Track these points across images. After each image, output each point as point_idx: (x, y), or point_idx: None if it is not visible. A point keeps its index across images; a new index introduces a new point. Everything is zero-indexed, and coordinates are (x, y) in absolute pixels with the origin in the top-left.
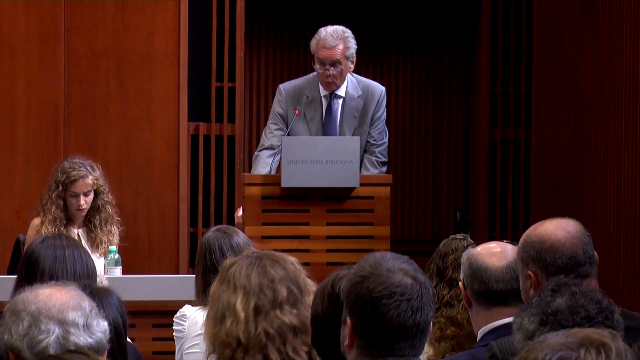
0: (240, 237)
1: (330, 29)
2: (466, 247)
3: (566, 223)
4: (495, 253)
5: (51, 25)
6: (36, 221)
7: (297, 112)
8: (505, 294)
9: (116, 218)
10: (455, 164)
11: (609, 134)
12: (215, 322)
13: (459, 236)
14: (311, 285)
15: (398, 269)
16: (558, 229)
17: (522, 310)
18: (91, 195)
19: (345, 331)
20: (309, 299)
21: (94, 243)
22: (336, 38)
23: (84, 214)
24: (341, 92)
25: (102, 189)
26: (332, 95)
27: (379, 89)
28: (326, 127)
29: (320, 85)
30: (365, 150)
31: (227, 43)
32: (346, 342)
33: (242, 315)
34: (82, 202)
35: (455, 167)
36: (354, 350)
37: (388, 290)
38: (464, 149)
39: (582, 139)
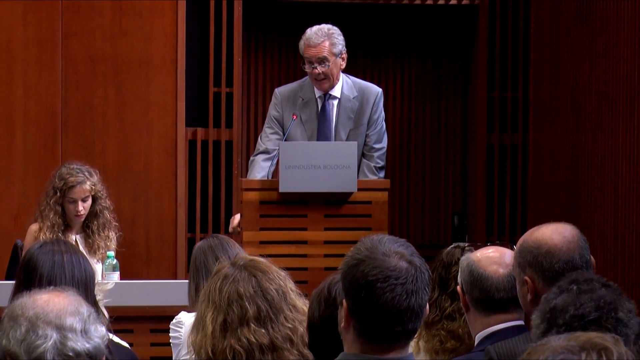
0: (232, 245)
1: (315, 27)
2: (462, 251)
3: (563, 228)
4: (496, 261)
5: (49, 31)
6: (34, 227)
7: (294, 117)
8: (506, 302)
9: (114, 224)
10: (453, 168)
11: (607, 139)
12: (192, 331)
13: (463, 245)
14: (295, 299)
15: (394, 252)
16: (554, 234)
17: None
18: (89, 201)
19: (342, 313)
20: (290, 314)
21: (92, 248)
22: (321, 36)
23: (82, 219)
24: (336, 92)
25: (100, 195)
26: (326, 96)
27: (374, 90)
28: (320, 127)
29: (314, 87)
30: (364, 154)
31: (224, 48)
32: (342, 324)
33: (209, 329)
34: (80, 207)
35: (453, 172)
36: (350, 333)
37: (383, 274)
38: (462, 153)
39: (580, 144)
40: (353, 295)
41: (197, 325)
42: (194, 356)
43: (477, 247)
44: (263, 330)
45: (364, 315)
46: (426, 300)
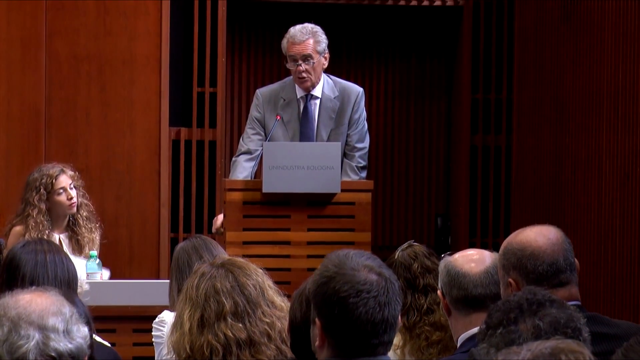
0: (215, 245)
1: (298, 26)
2: (442, 256)
3: (547, 230)
4: (473, 259)
5: (32, 30)
6: (18, 229)
7: (278, 117)
8: (484, 298)
9: (94, 214)
10: (437, 170)
11: (590, 141)
12: (171, 332)
13: (405, 246)
14: (273, 295)
15: (362, 266)
16: (539, 236)
17: (486, 332)
18: (74, 190)
19: (315, 331)
20: (268, 309)
21: (79, 244)
22: (305, 33)
23: (75, 209)
24: (317, 92)
25: (79, 184)
26: (308, 97)
27: (355, 89)
28: (303, 128)
29: (296, 88)
30: (345, 154)
31: (208, 48)
32: (317, 343)
33: (187, 326)
34: (73, 194)
35: (436, 173)
36: (325, 350)
37: (354, 289)
38: (445, 155)
39: (563, 146)
40: (326, 313)
41: (176, 325)
42: (174, 356)
43: (454, 244)
44: (240, 325)
45: (339, 332)
46: (399, 311)
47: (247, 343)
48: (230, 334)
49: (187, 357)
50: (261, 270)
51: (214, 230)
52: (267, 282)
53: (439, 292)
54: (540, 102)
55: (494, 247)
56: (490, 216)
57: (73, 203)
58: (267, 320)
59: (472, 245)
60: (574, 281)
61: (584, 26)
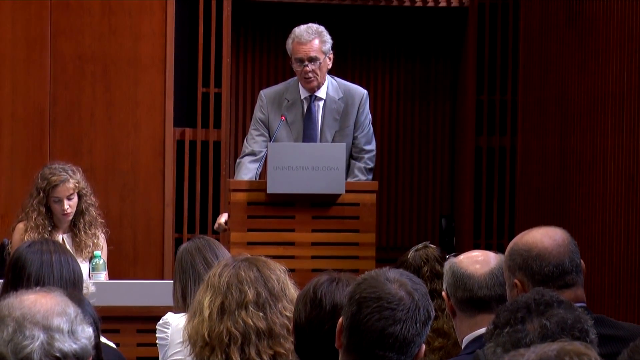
0: (219, 246)
1: (303, 26)
2: (447, 257)
3: (553, 231)
4: (478, 260)
5: (37, 30)
6: (21, 226)
7: (283, 118)
8: (489, 300)
9: (100, 220)
10: (441, 171)
11: (595, 142)
12: (188, 319)
13: (420, 246)
14: (294, 293)
15: (397, 280)
16: (545, 237)
17: (493, 331)
18: (75, 199)
19: (337, 328)
20: (289, 305)
21: (79, 247)
22: (311, 33)
23: (70, 218)
24: (322, 94)
25: (84, 192)
26: (312, 98)
27: (360, 91)
28: (306, 129)
29: (300, 88)
30: (353, 156)
31: (213, 49)
32: (336, 342)
33: (206, 312)
34: (67, 206)
35: (441, 174)
36: (340, 352)
37: (376, 294)
38: (450, 156)
39: (568, 147)
40: (347, 310)
41: (194, 312)
42: (190, 347)
43: (458, 245)
44: (261, 314)
45: (350, 332)
46: (414, 335)
47: (267, 334)
48: (251, 322)
49: (205, 344)
50: (284, 268)
51: (216, 226)
52: (289, 281)
53: (443, 293)
54: (545, 104)
55: (498, 248)
56: (495, 217)
57: (66, 214)
58: (288, 314)
59: (476, 247)
60: (579, 283)
61: (589, 27)
